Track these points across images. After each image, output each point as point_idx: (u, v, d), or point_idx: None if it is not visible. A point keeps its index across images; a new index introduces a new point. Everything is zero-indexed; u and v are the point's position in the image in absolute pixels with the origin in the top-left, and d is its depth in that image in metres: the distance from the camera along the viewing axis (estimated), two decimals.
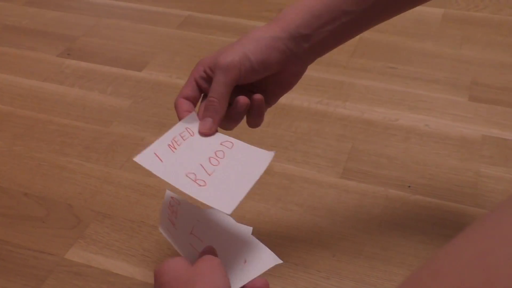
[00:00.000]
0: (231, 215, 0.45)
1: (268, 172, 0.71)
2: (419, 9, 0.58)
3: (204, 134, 0.50)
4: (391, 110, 0.84)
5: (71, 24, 1.10)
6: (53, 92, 0.90)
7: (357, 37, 0.54)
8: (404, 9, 0.54)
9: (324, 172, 0.73)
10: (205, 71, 0.51)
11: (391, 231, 0.65)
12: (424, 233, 0.64)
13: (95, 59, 0.99)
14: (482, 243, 0.22)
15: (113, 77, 0.94)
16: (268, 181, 0.71)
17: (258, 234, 0.53)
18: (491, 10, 1.10)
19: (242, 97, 0.50)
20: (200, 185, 0.46)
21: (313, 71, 0.55)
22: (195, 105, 0.52)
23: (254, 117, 0.52)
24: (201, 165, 0.48)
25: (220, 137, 0.51)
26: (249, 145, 0.51)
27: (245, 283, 0.47)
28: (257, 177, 0.47)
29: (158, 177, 0.46)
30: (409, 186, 0.70)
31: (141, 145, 0.78)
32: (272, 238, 0.64)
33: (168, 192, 0.54)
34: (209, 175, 0.47)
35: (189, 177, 0.46)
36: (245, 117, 0.53)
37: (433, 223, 0.66)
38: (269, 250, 0.50)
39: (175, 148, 0.49)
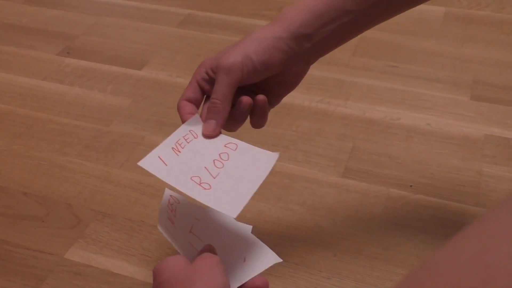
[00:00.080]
0: None
1: None
2: (420, 7, 0.58)
3: (208, 136, 0.50)
4: (393, 109, 0.84)
5: (71, 23, 1.10)
6: (52, 91, 0.90)
7: (358, 35, 0.54)
8: (405, 8, 0.53)
9: (325, 172, 0.72)
10: (207, 73, 0.51)
11: (392, 231, 0.64)
12: (425, 232, 0.64)
13: (95, 58, 0.98)
14: (480, 242, 0.22)
15: (113, 76, 0.93)
16: (268, 181, 0.71)
17: (259, 233, 0.52)
18: (493, 9, 1.10)
19: (245, 97, 0.50)
20: (205, 189, 0.45)
21: (314, 70, 0.55)
22: (198, 107, 0.52)
23: (258, 118, 0.52)
24: (205, 168, 0.47)
25: (224, 138, 0.50)
26: (253, 146, 0.50)
27: (244, 281, 0.47)
28: (261, 180, 0.47)
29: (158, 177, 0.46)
30: (411, 186, 0.70)
31: (141, 144, 0.78)
32: (272, 237, 0.64)
33: (167, 191, 0.53)
34: (214, 178, 0.46)
35: (194, 181, 0.46)
36: (248, 118, 0.52)
37: (435, 222, 0.65)
38: (269, 249, 0.50)
39: (179, 151, 0.49)
